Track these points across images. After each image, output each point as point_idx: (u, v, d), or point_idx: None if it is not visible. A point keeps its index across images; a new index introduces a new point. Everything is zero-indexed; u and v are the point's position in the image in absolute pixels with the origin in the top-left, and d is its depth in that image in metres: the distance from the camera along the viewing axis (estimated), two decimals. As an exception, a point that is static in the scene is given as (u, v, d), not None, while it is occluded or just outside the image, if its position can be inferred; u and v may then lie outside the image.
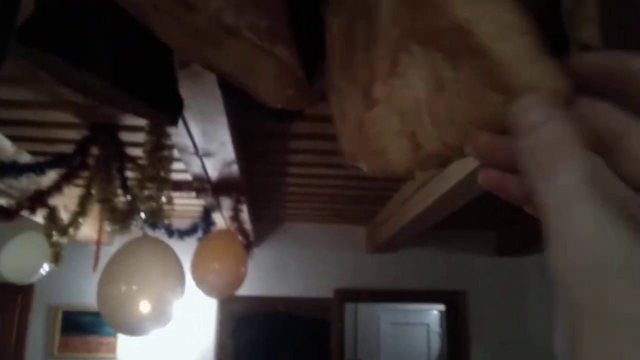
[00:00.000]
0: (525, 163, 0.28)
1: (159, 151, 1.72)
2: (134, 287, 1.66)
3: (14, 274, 2.65)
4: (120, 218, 1.88)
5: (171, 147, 1.80)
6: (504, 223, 4.07)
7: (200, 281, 2.27)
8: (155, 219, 1.74)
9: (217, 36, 0.43)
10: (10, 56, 0.62)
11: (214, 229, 2.87)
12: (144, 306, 1.72)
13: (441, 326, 4.98)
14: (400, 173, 0.46)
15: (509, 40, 0.35)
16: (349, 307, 5.10)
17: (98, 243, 2.47)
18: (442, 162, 0.44)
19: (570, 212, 0.25)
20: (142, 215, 1.83)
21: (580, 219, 0.25)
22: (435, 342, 5.71)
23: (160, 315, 1.77)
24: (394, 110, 0.45)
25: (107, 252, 2.13)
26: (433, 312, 5.66)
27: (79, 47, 0.63)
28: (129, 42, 0.65)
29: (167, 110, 0.76)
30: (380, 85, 0.46)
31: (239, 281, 2.35)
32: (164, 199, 1.74)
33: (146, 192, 1.66)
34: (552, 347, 0.25)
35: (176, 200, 3.04)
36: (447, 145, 0.41)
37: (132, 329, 1.78)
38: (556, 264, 0.25)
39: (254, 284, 3.91)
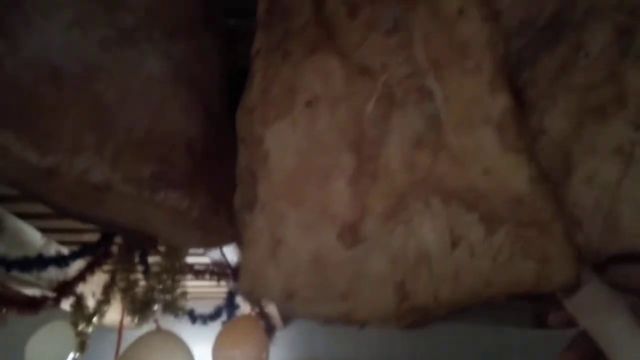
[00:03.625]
0: (574, 311, 0.46)
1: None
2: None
3: (41, 364, 2.65)
4: (140, 308, 1.89)
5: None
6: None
7: (221, 369, 2.23)
8: (171, 310, 1.74)
9: (92, 196, 0.40)
10: None
11: (239, 312, 2.84)
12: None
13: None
14: (368, 323, 0.42)
15: (562, 220, 0.39)
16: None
17: (120, 332, 2.47)
18: (423, 316, 0.41)
19: (614, 341, 0.41)
20: (159, 306, 1.84)
21: (620, 342, 0.41)
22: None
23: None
24: (385, 255, 0.41)
25: (134, 336, 2.11)
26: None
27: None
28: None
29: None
30: (373, 225, 0.42)
31: (260, 368, 2.29)
32: (179, 292, 1.75)
33: (161, 286, 1.68)
34: None
35: (201, 283, 3.03)
36: (439, 300, 0.39)
37: None
38: None
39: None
